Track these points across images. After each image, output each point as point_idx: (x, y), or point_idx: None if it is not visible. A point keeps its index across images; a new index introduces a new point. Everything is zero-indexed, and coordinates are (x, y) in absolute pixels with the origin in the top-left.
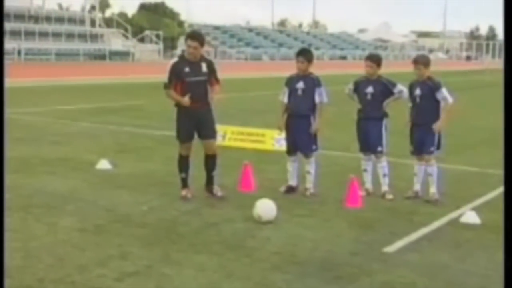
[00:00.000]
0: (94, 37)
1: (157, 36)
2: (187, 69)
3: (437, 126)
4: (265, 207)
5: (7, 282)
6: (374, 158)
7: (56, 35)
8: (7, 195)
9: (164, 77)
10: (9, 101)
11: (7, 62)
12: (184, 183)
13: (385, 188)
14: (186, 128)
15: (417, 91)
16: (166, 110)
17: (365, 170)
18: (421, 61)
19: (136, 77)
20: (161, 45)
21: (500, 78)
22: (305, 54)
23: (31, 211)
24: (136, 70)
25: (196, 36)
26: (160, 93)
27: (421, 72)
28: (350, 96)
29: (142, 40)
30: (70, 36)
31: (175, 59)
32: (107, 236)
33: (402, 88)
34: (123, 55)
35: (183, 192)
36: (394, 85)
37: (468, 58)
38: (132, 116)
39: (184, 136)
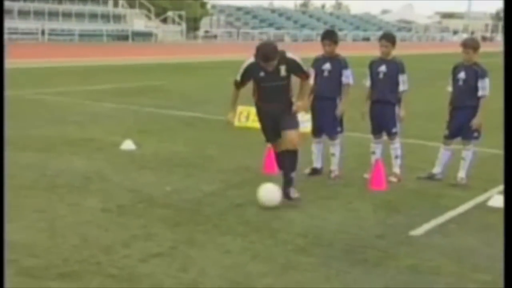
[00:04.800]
0: (117, 18)
1: (180, 16)
2: (262, 74)
3: (474, 124)
4: (266, 195)
5: (33, 261)
6: (387, 140)
7: (79, 16)
8: (31, 176)
9: (186, 58)
10: (32, 81)
11: (31, 42)
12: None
13: (396, 169)
14: (269, 128)
15: (461, 74)
16: (188, 90)
17: (373, 153)
18: (471, 45)
19: (159, 58)
20: (183, 26)
21: None
22: (331, 37)
23: (56, 191)
24: (159, 51)
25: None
26: (182, 73)
27: (469, 56)
28: (365, 85)
29: (164, 21)
30: (93, 16)
31: (251, 60)
32: (131, 216)
33: (405, 78)
34: (146, 35)
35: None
36: (403, 71)
37: (484, 38)
38: (155, 96)
39: (271, 137)
